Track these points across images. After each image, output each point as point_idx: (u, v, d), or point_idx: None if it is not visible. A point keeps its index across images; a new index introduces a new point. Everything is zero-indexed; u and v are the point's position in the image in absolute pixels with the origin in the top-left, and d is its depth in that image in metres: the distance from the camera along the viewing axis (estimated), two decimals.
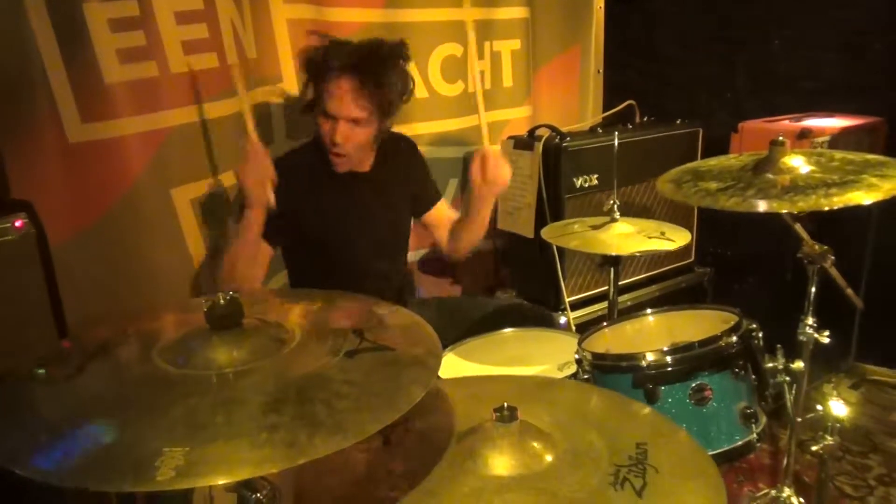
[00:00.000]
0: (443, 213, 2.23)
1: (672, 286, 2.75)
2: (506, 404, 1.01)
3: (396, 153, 2.09)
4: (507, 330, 1.93)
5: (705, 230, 2.81)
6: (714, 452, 1.32)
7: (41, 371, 0.94)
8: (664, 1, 3.35)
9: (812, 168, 1.44)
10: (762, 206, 1.30)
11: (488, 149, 1.86)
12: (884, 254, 2.72)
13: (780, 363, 1.40)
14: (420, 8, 2.60)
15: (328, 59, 1.82)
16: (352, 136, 1.85)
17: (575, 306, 2.45)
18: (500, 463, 0.97)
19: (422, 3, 2.60)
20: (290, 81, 2.30)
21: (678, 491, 0.93)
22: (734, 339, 1.35)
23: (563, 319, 2.37)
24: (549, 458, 0.98)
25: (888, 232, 2.71)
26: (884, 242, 2.72)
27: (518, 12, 2.90)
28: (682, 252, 2.80)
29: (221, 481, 0.74)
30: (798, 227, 1.52)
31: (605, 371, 1.40)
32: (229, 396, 0.82)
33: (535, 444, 1.00)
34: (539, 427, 1.04)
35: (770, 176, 1.42)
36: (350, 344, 0.88)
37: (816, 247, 1.52)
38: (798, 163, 1.45)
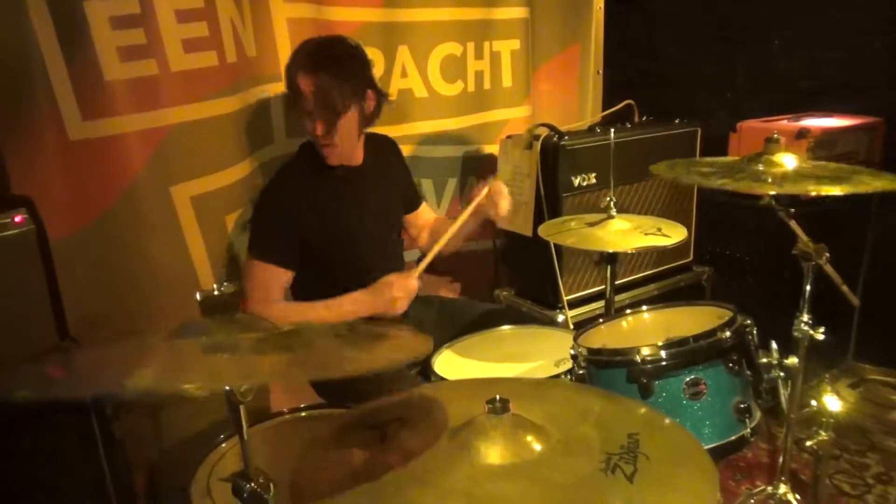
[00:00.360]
0: (425, 214, 2.35)
1: (670, 285, 2.75)
2: (498, 396, 1.02)
3: (382, 152, 2.17)
4: (505, 327, 1.94)
5: (704, 229, 2.82)
6: (708, 447, 1.32)
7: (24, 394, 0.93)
8: (664, 1, 3.36)
9: (806, 165, 1.45)
10: (750, 187, 1.31)
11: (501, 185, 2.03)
12: (882, 253, 2.73)
13: (774, 358, 1.40)
14: (419, 7, 2.61)
15: (293, 59, 1.91)
16: (336, 127, 1.90)
17: (573, 304, 2.45)
18: (493, 453, 0.98)
19: (421, 3, 2.60)
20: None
21: (669, 476, 0.94)
22: (728, 333, 1.36)
23: (560, 317, 2.37)
24: (540, 447, 0.99)
25: (886, 231, 2.71)
26: (882, 242, 2.73)
27: (518, 12, 2.91)
28: (681, 251, 2.81)
29: (190, 385, 0.76)
30: (793, 223, 1.53)
31: (600, 366, 1.41)
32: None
33: (527, 435, 1.01)
34: (531, 419, 1.05)
35: (763, 168, 1.44)
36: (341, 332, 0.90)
37: (812, 244, 1.53)
38: (791, 161, 1.46)
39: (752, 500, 1.73)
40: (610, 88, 3.28)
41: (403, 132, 2.62)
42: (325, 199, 1.96)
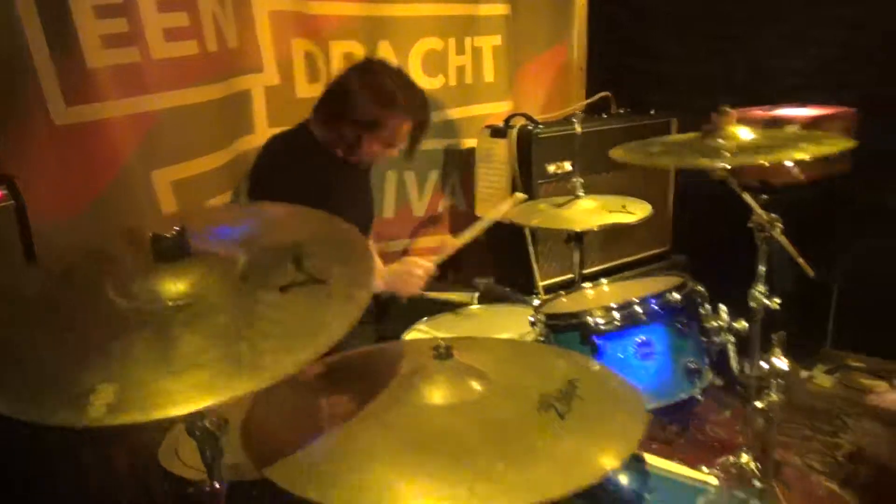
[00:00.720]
0: None
1: (647, 273, 2.79)
2: (443, 343, 1.07)
3: None
4: (475, 306, 1.99)
5: (683, 217, 2.86)
6: (658, 406, 1.37)
7: None
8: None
9: (755, 136, 1.50)
10: (695, 162, 1.36)
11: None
12: (858, 241, 2.77)
13: (723, 322, 1.45)
14: (401, 3, 2.68)
15: (412, 105, 2.01)
16: None
17: (550, 290, 2.50)
18: (436, 394, 1.03)
19: None
20: (271, 72, 2.38)
21: (600, 416, 0.98)
22: (677, 296, 1.41)
23: (536, 303, 2.41)
24: (481, 390, 1.04)
25: (862, 220, 2.75)
26: (858, 230, 2.77)
27: (499, 9, 2.98)
28: (659, 240, 2.86)
29: (148, 418, 0.76)
30: (746, 195, 1.57)
31: (556, 330, 1.46)
32: (166, 333, 0.87)
33: (469, 379, 1.06)
34: (475, 366, 1.09)
35: (714, 142, 1.49)
36: (286, 278, 0.94)
37: (766, 215, 1.58)
38: (742, 133, 1.51)
39: (716, 469, 1.76)
40: (597, 83, 3.32)
41: None
42: (322, 177, 2.02)
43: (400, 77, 2.06)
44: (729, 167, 1.39)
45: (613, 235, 2.66)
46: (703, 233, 2.88)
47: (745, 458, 1.74)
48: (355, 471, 0.89)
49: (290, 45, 2.42)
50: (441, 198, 2.95)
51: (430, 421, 0.99)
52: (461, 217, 2.99)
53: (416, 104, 2.03)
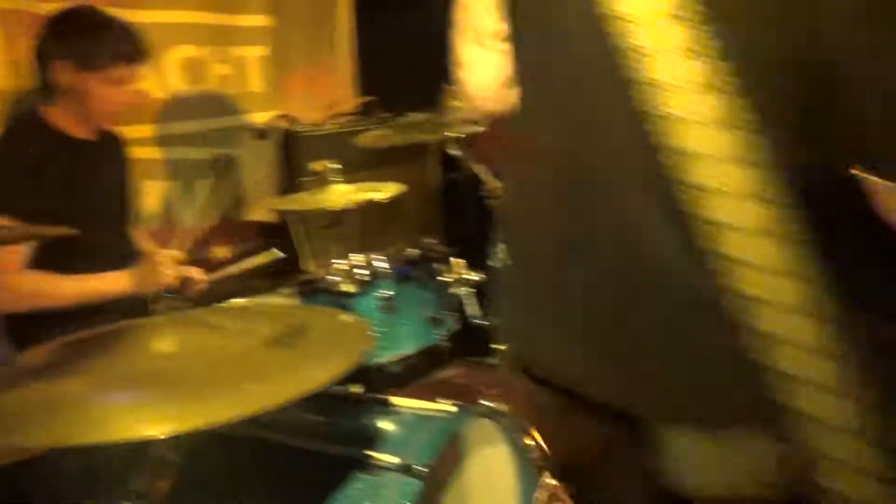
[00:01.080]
0: None
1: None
2: (167, 295, 1.09)
3: (116, 139, 2.15)
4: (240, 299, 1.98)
5: (450, 208, 3.07)
6: (407, 353, 1.47)
7: None
8: (416, 8, 3.58)
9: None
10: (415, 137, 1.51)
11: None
12: None
13: (457, 275, 1.60)
14: (150, 9, 2.61)
15: (134, 42, 1.91)
16: None
17: None
18: (165, 344, 1.05)
19: (153, 5, 2.62)
20: (3, 74, 2.21)
21: (318, 343, 1.06)
22: (413, 252, 1.54)
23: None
24: (212, 337, 1.07)
25: None
26: None
27: (261, 20, 3.01)
28: (429, 231, 3.03)
29: None
30: (476, 166, 1.76)
31: (307, 294, 1.52)
32: None
33: (199, 330, 1.09)
34: (207, 319, 1.12)
35: (440, 119, 1.66)
36: None
37: (496, 183, 1.77)
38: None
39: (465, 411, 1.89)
40: (370, 90, 3.44)
41: (141, 133, 2.59)
42: (56, 164, 1.87)
43: (91, 7, 1.98)
44: (451, 136, 1.55)
45: (385, 228, 2.78)
46: (471, 220, 3.09)
47: (489, 403, 1.89)
48: (70, 413, 0.88)
49: (23, 46, 2.26)
50: (210, 207, 2.90)
51: (157, 365, 1.01)
52: (233, 225, 2.95)
53: (122, 24, 1.94)
